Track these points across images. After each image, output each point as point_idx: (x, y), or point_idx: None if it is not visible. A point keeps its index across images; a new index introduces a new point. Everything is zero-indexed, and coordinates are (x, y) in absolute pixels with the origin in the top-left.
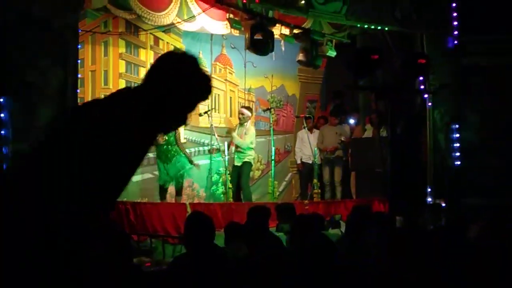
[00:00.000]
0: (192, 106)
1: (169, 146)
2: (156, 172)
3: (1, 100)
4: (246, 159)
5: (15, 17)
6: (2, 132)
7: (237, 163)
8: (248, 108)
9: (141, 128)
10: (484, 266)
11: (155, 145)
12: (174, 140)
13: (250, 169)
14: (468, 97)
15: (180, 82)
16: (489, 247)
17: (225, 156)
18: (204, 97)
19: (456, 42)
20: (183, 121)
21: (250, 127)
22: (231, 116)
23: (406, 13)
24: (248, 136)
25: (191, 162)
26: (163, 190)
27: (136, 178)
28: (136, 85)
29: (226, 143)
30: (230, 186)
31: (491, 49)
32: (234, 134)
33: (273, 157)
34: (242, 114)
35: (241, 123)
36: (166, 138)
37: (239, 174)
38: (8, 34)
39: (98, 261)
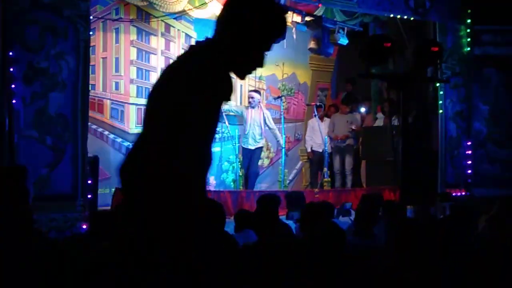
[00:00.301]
0: (268, 43)
1: None
2: None
3: (13, 86)
4: (260, 144)
5: (27, 3)
6: (14, 119)
7: (251, 146)
8: (257, 92)
9: (223, 74)
10: (491, 257)
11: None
12: None
13: (261, 154)
14: (479, 86)
15: (255, 17)
16: (496, 237)
17: (236, 143)
18: (281, 32)
19: (469, 31)
20: (260, 62)
21: (266, 111)
22: (241, 104)
23: (419, 1)
24: (271, 120)
25: None
26: None
27: None
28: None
29: (237, 131)
30: (241, 173)
31: (504, 39)
32: (276, 132)
33: (283, 145)
34: (252, 97)
35: (252, 107)
36: None
37: (251, 158)
38: (20, 21)
39: None
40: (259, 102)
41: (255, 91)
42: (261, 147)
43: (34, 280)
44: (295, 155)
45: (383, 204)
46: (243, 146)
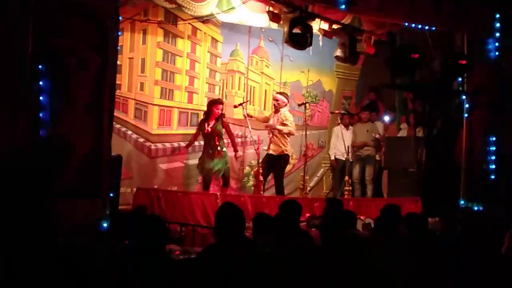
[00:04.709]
0: None
1: (216, 139)
2: (189, 162)
3: (41, 83)
4: (284, 151)
5: (57, 3)
6: (41, 115)
7: (273, 152)
8: (283, 94)
9: None
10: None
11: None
12: (221, 131)
13: (287, 162)
14: (507, 100)
15: None
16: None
17: (257, 148)
18: None
19: (497, 44)
20: None
21: (287, 113)
22: (264, 109)
23: (448, 12)
24: (289, 122)
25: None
26: (206, 183)
27: (167, 166)
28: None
29: (259, 135)
30: (261, 179)
31: None
32: (280, 127)
33: (305, 152)
34: (277, 100)
35: (276, 110)
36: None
37: (273, 165)
38: (49, 19)
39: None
40: (285, 105)
41: (282, 93)
42: (285, 155)
43: (56, 277)
44: (317, 162)
45: (405, 216)
46: (267, 151)
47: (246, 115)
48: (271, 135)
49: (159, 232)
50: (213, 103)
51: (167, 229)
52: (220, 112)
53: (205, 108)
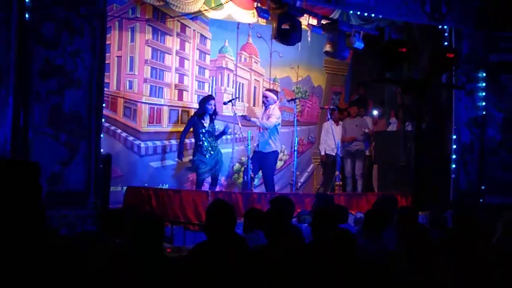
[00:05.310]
0: None
1: (210, 138)
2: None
3: (29, 81)
4: (272, 148)
5: (46, 2)
6: (29, 114)
7: (261, 149)
8: (273, 91)
9: None
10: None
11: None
12: (213, 129)
13: (276, 159)
14: (495, 93)
15: None
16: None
17: (247, 145)
18: None
19: (485, 37)
20: None
21: (275, 109)
22: (254, 105)
23: (435, 6)
24: (273, 117)
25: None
26: (200, 183)
27: (157, 164)
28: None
29: (249, 132)
30: (252, 175)
31: None
32: (254, 119)
33: (295, 148)
34: (266, 97)
35: (265, 106)
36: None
37: (261, 163)
38: (37, 17)
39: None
40: (275, 102)
41: (271, 90)
42: (274, 151)
43: (45, 276)
44: (307, 158)
45: (397, 209)
46: (255, 148)
47: (244, 116)
48: (260, 132)
49: (157, 231)
50: (206, 100)
51: (164, 227)
52: (213, 108)
53: (195, 105)
